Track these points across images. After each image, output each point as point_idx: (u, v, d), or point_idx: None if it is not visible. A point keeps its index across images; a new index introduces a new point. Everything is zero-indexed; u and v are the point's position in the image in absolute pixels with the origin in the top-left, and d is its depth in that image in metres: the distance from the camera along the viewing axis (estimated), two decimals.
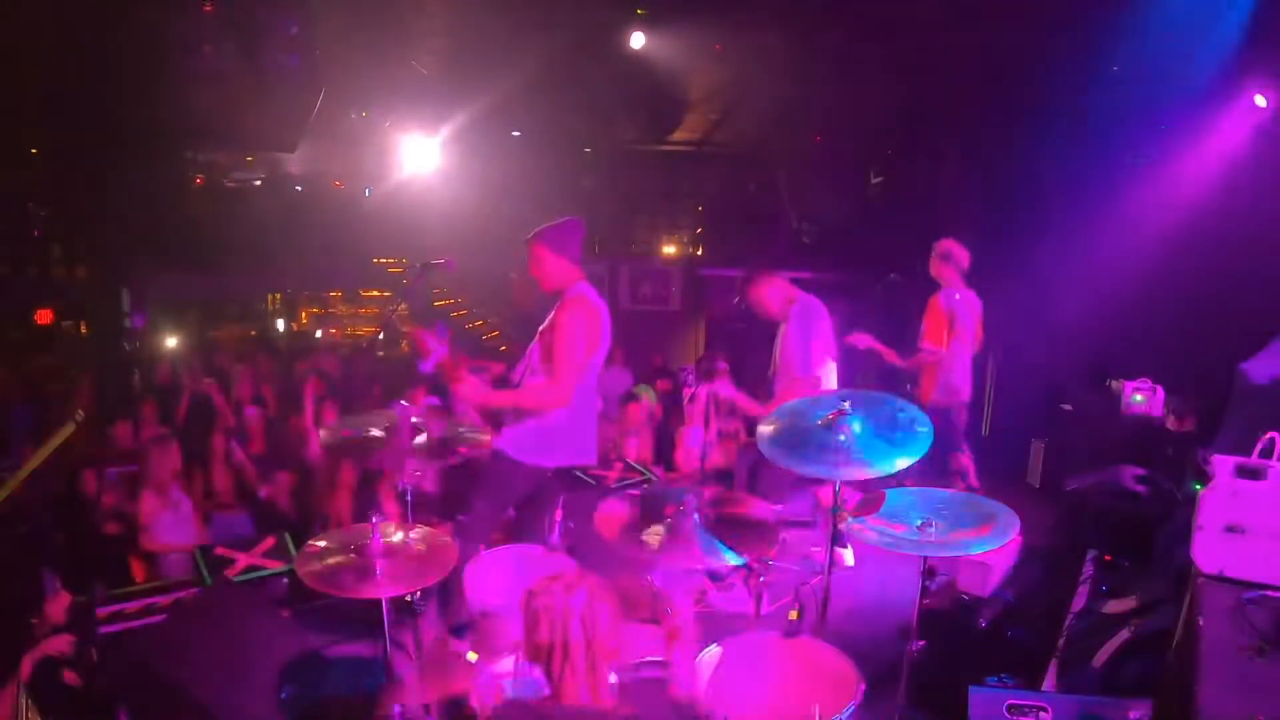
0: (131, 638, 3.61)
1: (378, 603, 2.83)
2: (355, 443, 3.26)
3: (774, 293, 4.75)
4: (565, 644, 1.92)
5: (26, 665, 2.81)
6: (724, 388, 4.69)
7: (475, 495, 3.85)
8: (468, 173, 11.39)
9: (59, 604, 3.16)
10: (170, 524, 5.02)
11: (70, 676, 2.92)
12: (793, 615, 3.23)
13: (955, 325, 5.44)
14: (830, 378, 4.70)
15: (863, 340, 5.47)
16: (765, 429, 3.18)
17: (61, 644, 2.93)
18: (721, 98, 10.67)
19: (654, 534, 2.75)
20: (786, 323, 4.71)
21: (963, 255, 5.50)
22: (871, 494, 2.97)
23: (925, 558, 2.76)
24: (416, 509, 3.23)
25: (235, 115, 9.97)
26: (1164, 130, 6.74)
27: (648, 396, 8.02)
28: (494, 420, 4.08)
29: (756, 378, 5.12)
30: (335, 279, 14.07)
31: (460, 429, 3.52)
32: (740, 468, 5.91)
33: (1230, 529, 2.65)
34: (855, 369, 6.08)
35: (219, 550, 4.54)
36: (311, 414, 5.98)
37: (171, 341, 11.10)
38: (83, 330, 10.82)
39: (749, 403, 4.71)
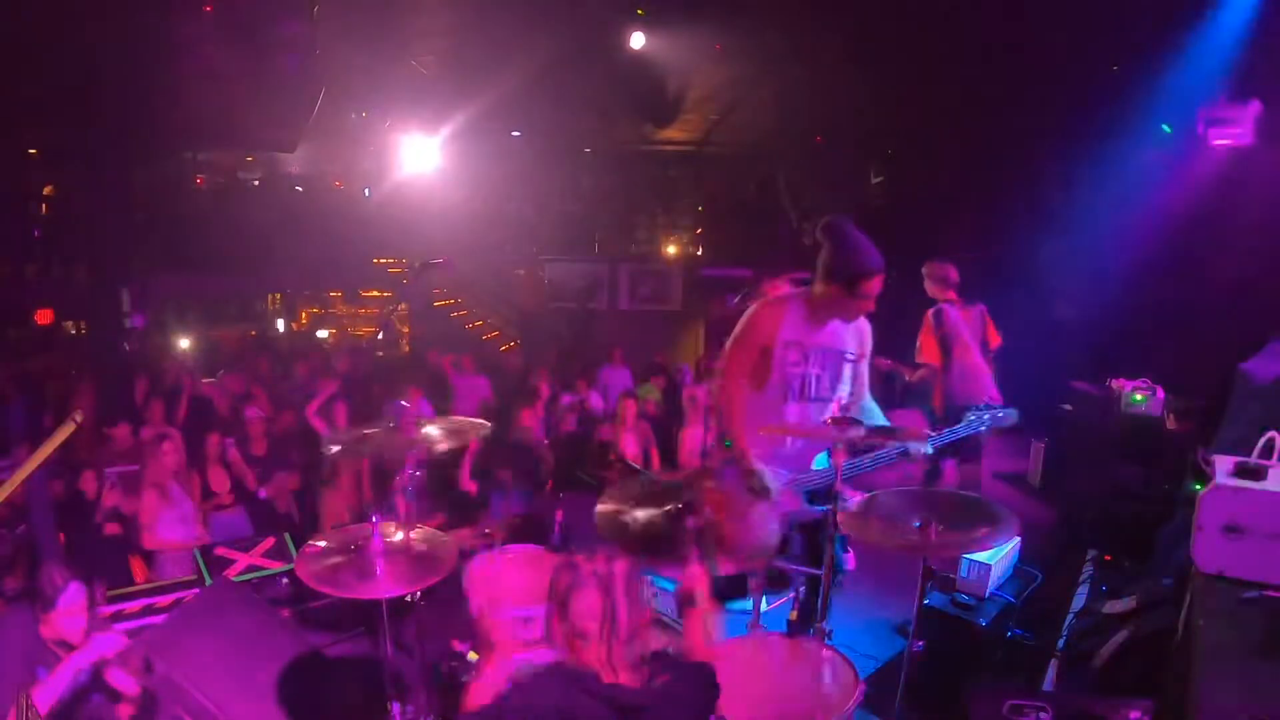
0: (131, 638, 3.61)
1: (378, 603, 2.83)
2: (359, 443, 3.25)
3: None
4: (610, 620, 1.91)
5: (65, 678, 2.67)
6: None
7: None
8: (468, 173, 11.39)
9: (75, 609, 2.82)
10: (171, 522, 5.03)
11: (116, 678, 2.76)
12: (793, 615, 3.23)
13: (949, 338, 5.49)
14: None
15: (883, 363, 5.59)
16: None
17: (114, 644, 2.77)
18: (721, 98, 10.68)
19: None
20: None
21: (947, 271, 5.59)
22: (871, 496, 2.96)
23: (925, 558, 2.76)
24: (421, 507, 3.22)
25: (235, 115, 9.97)
26: (1164, 131, 6.75)
27: (652, 396, 8.02)
28: None
29: None
30: (335, 279, 14.06)
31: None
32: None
33: (1230, 529, 2.65)
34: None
35: (219, 550, 4.54)
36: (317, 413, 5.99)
37: (172, 342, 11.11)
38: (83, 330, 10.81)
39: None
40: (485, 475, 5.70)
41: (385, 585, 2.69)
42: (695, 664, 2.11)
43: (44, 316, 10.32)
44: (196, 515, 5.20)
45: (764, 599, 3.24)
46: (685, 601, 2.31)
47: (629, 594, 1.94)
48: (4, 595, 4.19)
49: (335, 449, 4.03)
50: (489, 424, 3.33)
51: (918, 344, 5.58)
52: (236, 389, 7.53)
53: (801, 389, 3.41)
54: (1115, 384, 6.12)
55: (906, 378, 5.67)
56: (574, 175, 13.33)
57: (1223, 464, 2.84)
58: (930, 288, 5.61)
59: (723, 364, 3.54)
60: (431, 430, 3.04)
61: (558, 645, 1.96)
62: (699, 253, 13.72)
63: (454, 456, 5.55)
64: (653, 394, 8.10)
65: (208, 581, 4.22)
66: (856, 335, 3.49)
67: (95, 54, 8.15)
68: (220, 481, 5.59)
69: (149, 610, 3.97)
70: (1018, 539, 4.50)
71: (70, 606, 2.80)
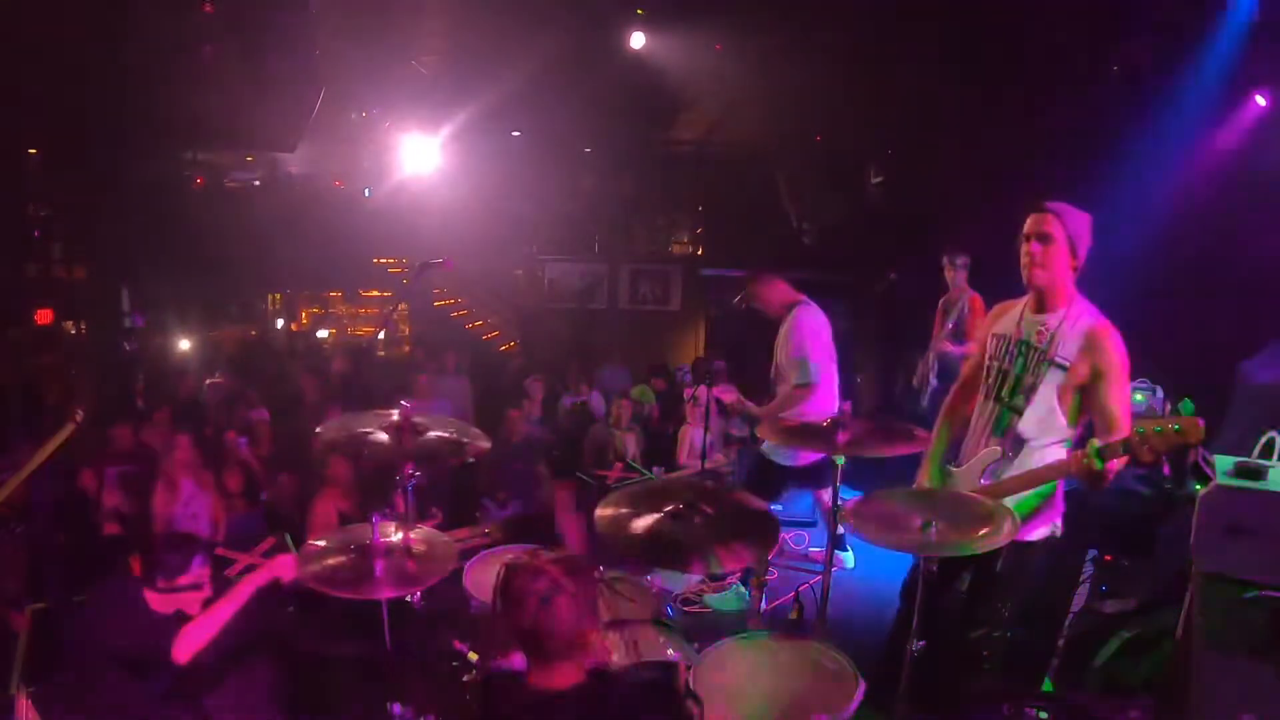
0: None
1: (378, 603, 2.83)
2: (356, 441, 3.24)
3: (773, 294, 4.72)
4: (551, 623, 1.89)
5: (246, 588, 2.81)
6: (725, 392, 4.67)
7: None
8: (468, 173, 11.39)
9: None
10: (181, 519, 5.05)
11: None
12: (793, 615, 3.23)
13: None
14: (830, 384, 4.66)
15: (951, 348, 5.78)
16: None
17: (290, 566, 2.88)
18: (721, 97, 10.68)
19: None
20: (783, 327, 4.67)
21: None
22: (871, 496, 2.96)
23: (925, 558, 2.76)
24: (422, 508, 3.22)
25: (235, 115, 9.97)
26: (1164, 130, 6.74)
27: (647, 398, 8.03)
28: None
29: (757, 378, 5.11)
30: (335, 279, 14.06)
31: None
32: (740, 468, 5.91)
33: (1230, 529, 2.64)
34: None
35: (219, 550, 4.53)
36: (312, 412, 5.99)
37: (172, 342, 11.10)
38: (83, 330, 10.82)
39: (749, 404, 4.70)
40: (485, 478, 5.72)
41: (385, 585, 2.69)
42: (651, 679, 2.10)
43: (44, 316, 10.31)
44: (210, 513, 5.21)
45: (764, 599, 3.24)
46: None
47: (577, 596, 1.92)
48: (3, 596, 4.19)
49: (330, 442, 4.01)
50: (482, 431, 3.29)
51: (972, 326, 5.61)
52: (226, 391, 7.55)
53: (994, 386, 2.97)
54: None
55: (918, 379, 5.69)
56: (574, 175, 13.32)
57: (1223, 464, 2.84)
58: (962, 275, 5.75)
59: None
60: (432, 435, 3.03)
61: (496, 643, 1.96)
62: (699, 253, 13.71)
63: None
64: (647, 395, 8.11)
65: None
66: (1073, 337, 2.79)
67: (95, 53, 8.15)
68: (235, 481, 5.60)
69: None
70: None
71: (197, 576, 2.91)
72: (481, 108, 10.06)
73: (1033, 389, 2.85)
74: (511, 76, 9.21)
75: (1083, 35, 6.66)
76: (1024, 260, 2.87)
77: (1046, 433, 2.85)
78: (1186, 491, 3.97)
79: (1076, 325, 2.81)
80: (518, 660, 2.00)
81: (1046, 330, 2.85)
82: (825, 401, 4.55)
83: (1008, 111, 7.56)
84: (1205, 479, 2.62)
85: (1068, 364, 2.78)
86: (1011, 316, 3.00)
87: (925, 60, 7.80)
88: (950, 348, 5.94)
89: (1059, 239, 2.81)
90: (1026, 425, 2.86)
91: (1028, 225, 2.86)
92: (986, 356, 3.04)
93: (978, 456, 3.01)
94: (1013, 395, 2.90)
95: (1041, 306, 2.90)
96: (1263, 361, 4.08)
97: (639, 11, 8.62)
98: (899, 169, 10.27)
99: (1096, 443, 2.61)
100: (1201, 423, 2.45)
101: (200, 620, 2.75)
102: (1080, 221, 2.85)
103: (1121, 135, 6.99)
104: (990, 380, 3.00)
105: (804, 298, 4.72)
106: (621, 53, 8.78)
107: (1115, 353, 2.76)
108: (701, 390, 5.68)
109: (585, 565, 1.99)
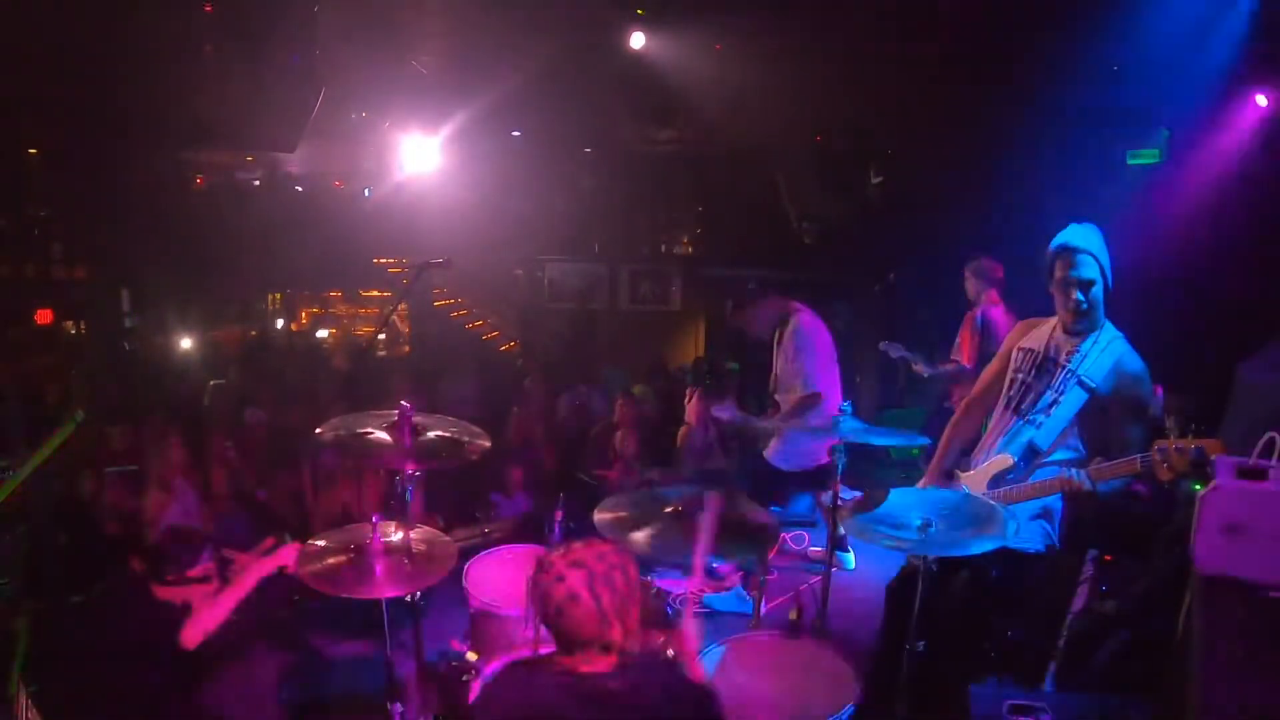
0: None
1: (378, 603, 2.83)
2: (356, 441, 3.24)
3: (765, 314, 4.67)
4: (571, 624, 1.90)
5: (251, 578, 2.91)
6: (723, 411, 4.69)
7: None
8: (468, 173, 11.39)
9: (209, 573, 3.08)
10: (174, 517, 5.04)
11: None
12: (793, 615, 3.23)
13: (990, 344, 5.42)
14: (835, 388, 4.65)
15: (894, 349, 5.50)
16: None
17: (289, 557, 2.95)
18: (721, 97, 10.68)
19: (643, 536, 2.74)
20: (782, 339, 4.64)
21: (994, 269, 5.44)
22: (873, 493, 2.96)
23: (925, 558, 2.76)
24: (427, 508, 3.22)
25: (235, 115, 9.97)
26: (1164, 130, 6.75)
27: (648, 397, 8.03)
28: None
29: (757, 379, 5.11)
30: (335, 279, 14.06)
31: None
32: (741, 468, 5.91)
33: (1230, 529, 2.64)
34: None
35: (222, 550, 4.53)
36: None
37: (172, 341, 11.09)
38: (83, 330, 10.82)
39: (752, 419, 4.71)
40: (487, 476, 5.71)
41: (385, 585, 2.69)
42: (687, 679, 2.09)
43: (44, 316, 10.32)
44: (199, 511, 5.20)
45: (763, 599, 3.24)
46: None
47: (608, 582, 1.92)
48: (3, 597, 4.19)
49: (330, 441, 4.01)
50: (485, 432, 3.28)
51: (957, 340, 5.51)
52: (232, 392, 7.53)
53: (1015, 398, 3.00)
54: None
55: (915, 368, 5.61)
56: (574, 175, 13.33)
57: (1223, 464, 2.84)
58: (972, 286, 5.41)
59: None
60: (432, 435, 3.03)
61: (536, 639, 1.97)
62: (699, 253, 13.72)
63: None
64: (648, 394, 8.10)
65: None
66: (1104, 361, 2.83)
67: (95, 53, 8.15)
68: (219, 482, 5.59)
69: None
70: None
71: (205, 570, 3.02)
72: (481, 108, 10.05)
73: (1054, 405, 2.87)
74: (511, 76, 9.21)
75: (1083, 36, 6.66)
76: (1071, 306, 2.87)
77: (1060, 449, 2.89)
78: (1186, 491, 3.97)
79: (1108, 350, 2.86)
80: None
81: (1078, 351, 2.88)
82: (831, 407, 4.55)
83: (1007, 112, 7.56)
84: (1205, 479, 2.62)
85: (1094, 386, 2.82)
86: (1041, 333, 3.02)
87: (925, 60, 7.81)
88: (922, 370, 5.74)
89: (1098, 279, 2.86)
90: (1041, 440, 2.89)
91: (1060, 270, 2.87)
92: (1011, 369, 3.06)
93: (988, 464, 3.02)
94: (1033, 409, 2.92)
95: (1074, 329, 2.92)
96: (1263, 362, 4.07)
97: (639, 11, 8.62)
98: (899, 169, 10.27)
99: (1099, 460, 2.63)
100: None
101: (208, 607, 2.78)
102: (1102, 245, 2.89)
103: (1118, 136, 7.00)
104: (1012, 392, 3.02)
105: (797, 304, 4.67)
106: (621, 53, 8.78)
107: (1141, 384, 2.83)
108: (700, 390, 5.68)
109: (617, 566, 1.97)
